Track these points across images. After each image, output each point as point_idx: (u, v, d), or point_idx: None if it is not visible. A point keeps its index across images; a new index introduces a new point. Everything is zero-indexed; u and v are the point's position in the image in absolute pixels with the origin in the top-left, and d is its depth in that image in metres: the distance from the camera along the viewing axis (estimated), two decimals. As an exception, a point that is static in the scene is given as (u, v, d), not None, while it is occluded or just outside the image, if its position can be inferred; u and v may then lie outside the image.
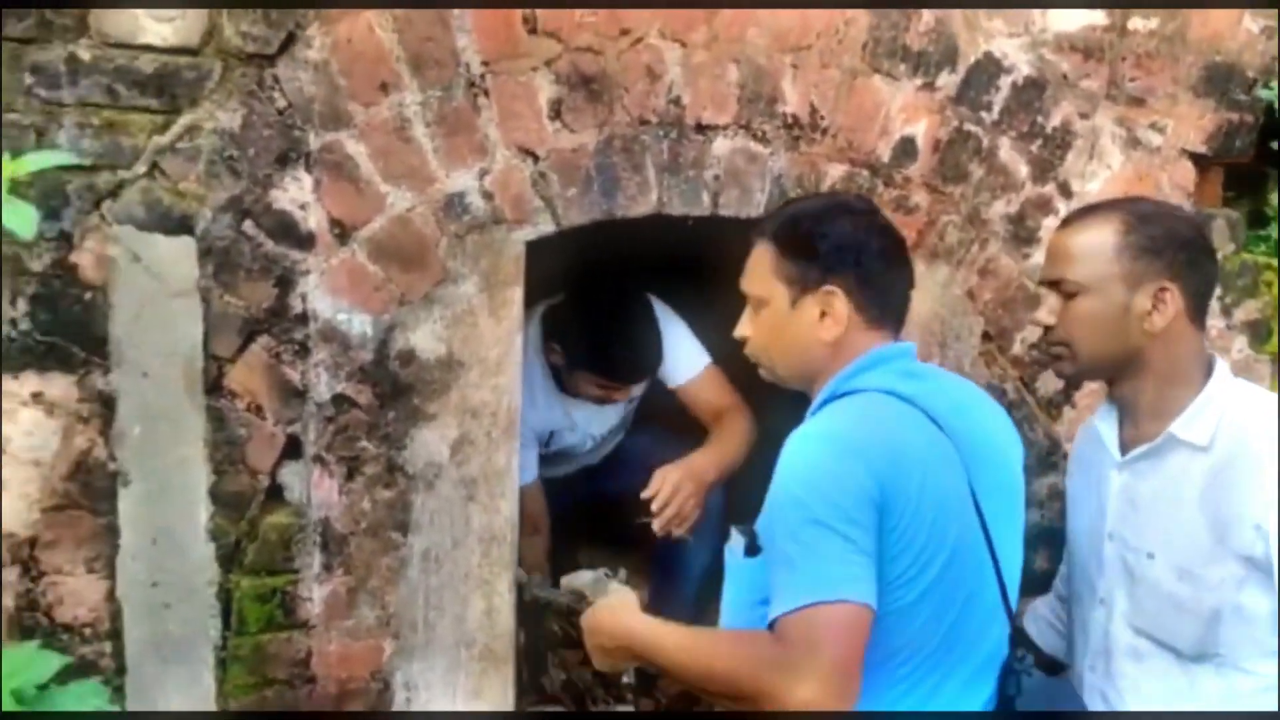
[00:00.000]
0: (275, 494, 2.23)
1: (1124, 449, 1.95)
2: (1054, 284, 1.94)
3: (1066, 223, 1.98)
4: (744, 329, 1.95)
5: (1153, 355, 1.87)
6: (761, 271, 1.90)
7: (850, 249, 1.85)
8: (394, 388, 2.25)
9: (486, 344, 2.28)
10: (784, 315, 1.87)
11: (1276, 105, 2.61)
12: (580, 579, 2.21)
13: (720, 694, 1.68)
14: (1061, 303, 1.92)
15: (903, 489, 1.65)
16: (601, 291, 2.76)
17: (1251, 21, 2.60)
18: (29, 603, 2.15)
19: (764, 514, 1.74)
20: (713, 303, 2.50)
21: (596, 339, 2.70)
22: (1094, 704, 1.95)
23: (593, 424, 3.00)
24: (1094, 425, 2.04)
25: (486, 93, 2.19)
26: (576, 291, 2.81)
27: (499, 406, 2.31)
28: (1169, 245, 1.84)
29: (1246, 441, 1.80)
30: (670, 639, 1.78)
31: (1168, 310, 1.84)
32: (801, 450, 1.70)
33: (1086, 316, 1.88)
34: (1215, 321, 2.66)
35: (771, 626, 1.62)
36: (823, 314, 1.85)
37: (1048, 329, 2.03)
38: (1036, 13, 2.47)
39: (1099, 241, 1.87)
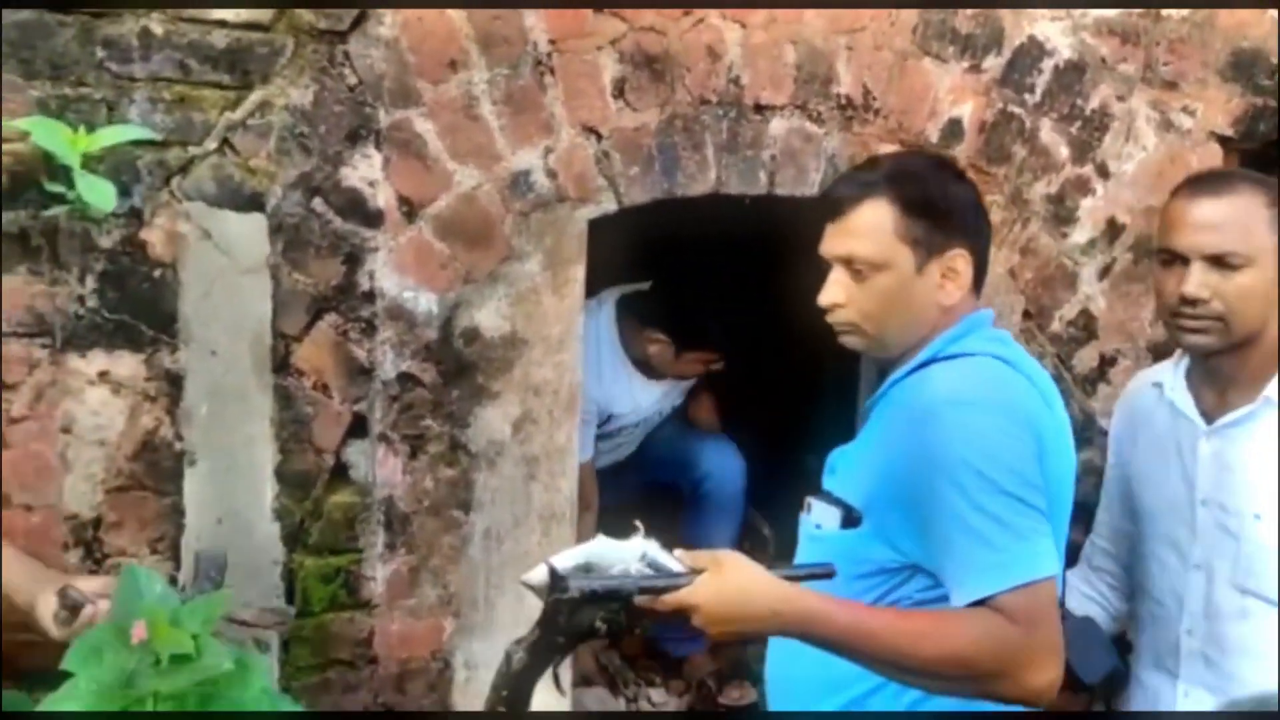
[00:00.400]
0: (340, 473, 2.22)
1: (1207, 418, 1.99)
2: (1213, 258, 1.87)
3: (1201, 190, 1.94)
4: (835, 295, 1.77)
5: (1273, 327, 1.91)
6: (878, 233, 1.73)
7: (972, 209, 1.78)
8: (458, 365, 2.25)
9: (549, 321, 2.29)
10: (907, 280, 1.73)
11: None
12: (605, 555, 1.64)
13: (950, 677, 1.56)
14: (1217, 275, 1.87)
15: (1041, 458, 1.64)
16: (709, 270, 2.89)
17: (1276, 12, 2.68)
18: (94, 585, 2.13)
19: (907, 484, 1.65)
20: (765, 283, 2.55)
21: (710, 315, 2.84)
22: (1195, 668, 1.98)
23: (653, 406, 3.10)
24: (1164, 397, 2.06)
25: (553, 71, 2.21)
26: (678, 272, 2.94)
27: (560, 384, 2.33)
28: None
29: None
30: (877, 619, 1.57)
31: None
32: (970, 419, 1.61)
33: (1250, 290, 1.86)
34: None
35: (978, 604, 1.55)
36: (944, 277, 1.75)
37: (1190, 301, 1.91)
38: (1081, -4, 2.53)
39: (1253, 213, 1.86)
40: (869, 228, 1.73)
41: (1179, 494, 2.02)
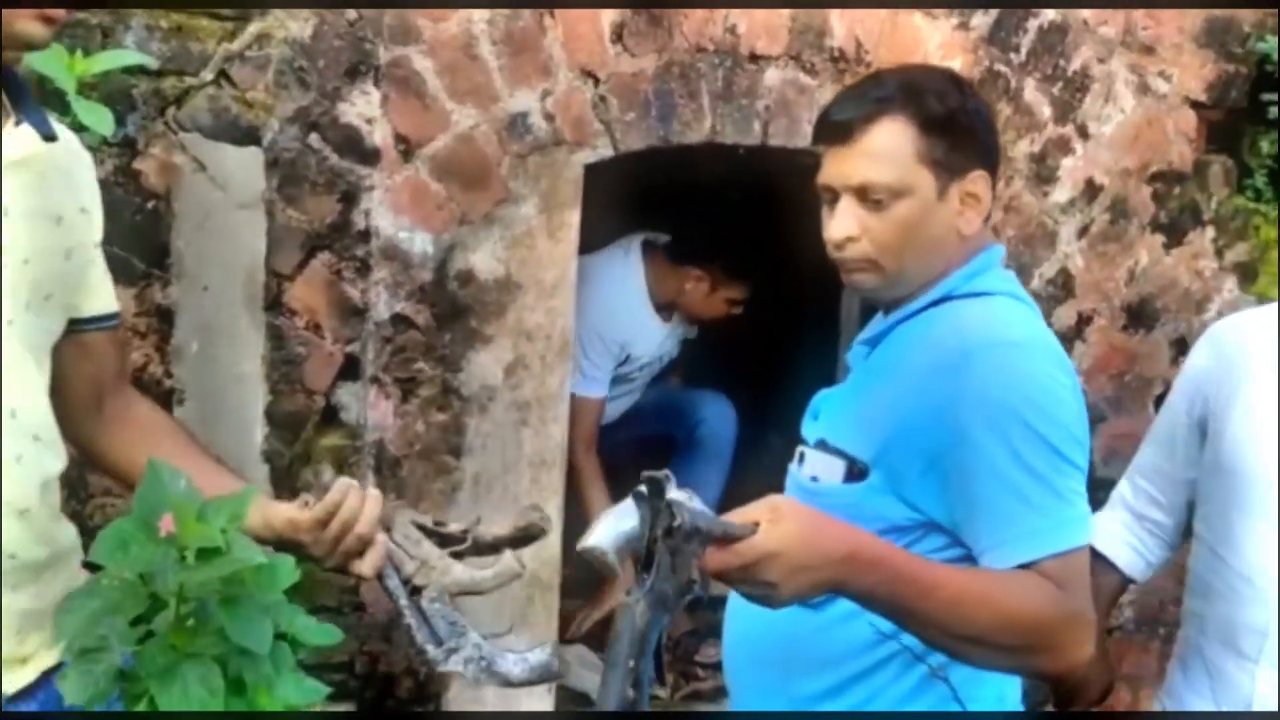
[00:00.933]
0: (330, 415, 2.20)
1: None
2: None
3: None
4: (849, 228, 1.55)
5: None
6: (899, 155, 1.53)
7: (987, 127, 1.61)
8: (452, 308, 2.24)
9: (544, 266, 2.29)
10: (930, 207, 1.54)
11: (1276, 58, 2.76)
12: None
13: (998, 646, 1.40)
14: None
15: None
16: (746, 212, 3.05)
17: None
18: (78, 527, 2.09)
19: (934, 433, 1.48)
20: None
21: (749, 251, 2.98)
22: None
23: (664, 348, 3.24)
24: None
25: (552, 13, 2.20)
26: (719, 216, 3.11)
27: (553, 329, 2.32)
28: None
29: None
30: (944, 573, 1.41)
31: None
32: (1017, 363, 1.45)
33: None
34: (1208, 262, 2.82)
35: (1023, 567, 1.41)
36: (963, 202, 1.56)
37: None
38: (1067, -43, 2.58)
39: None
40: (887, 150, 1.53)
41: None
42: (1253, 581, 1.83)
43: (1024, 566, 1.39)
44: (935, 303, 1.58)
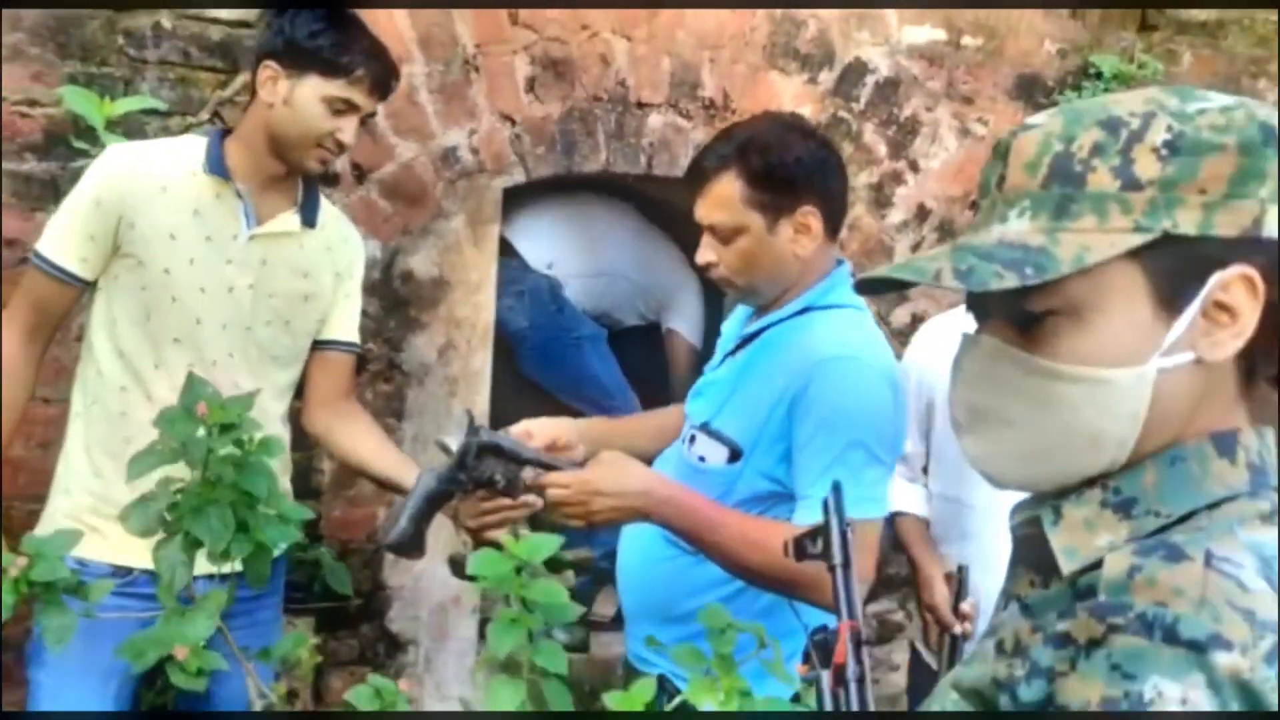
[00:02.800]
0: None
1: None
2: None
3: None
4: (707, 255, 1.96)
5: None
6: (731, 204, 1.90)
7: (817, 168, 1.92)
8: (395, 301, 2.81)
9: (469, 269, 2.87)
10: (762, 240, 1.91)
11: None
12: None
13: (770, 579, 1.82)
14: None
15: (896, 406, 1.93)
16: None
17: (1050, 45, 3.39)
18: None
19: (790, 426, 1.87)
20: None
21: None
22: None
23: None
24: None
25: (477, 69, 2.79)
26: None
27: (477, 320, 2.90)
28: None
29: None
30: (727, 516, 1.84)
31: None
32: (848, 375, 1.85)
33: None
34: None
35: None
36: (797, 233, 1.91)
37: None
38: (894, 25, 3.19)
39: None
40: (722, 199, 1.91)
41: None
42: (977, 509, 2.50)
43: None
44: (799, 312, 1.97)
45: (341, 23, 2.08)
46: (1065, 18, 3.41)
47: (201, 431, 1.67)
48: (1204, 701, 0.75)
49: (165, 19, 2.52)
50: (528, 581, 1.56)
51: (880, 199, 3.28)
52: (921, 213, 3.33)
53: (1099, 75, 3.37)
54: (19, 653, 2.19)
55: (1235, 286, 0.87)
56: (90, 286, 2.08)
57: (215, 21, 2.56)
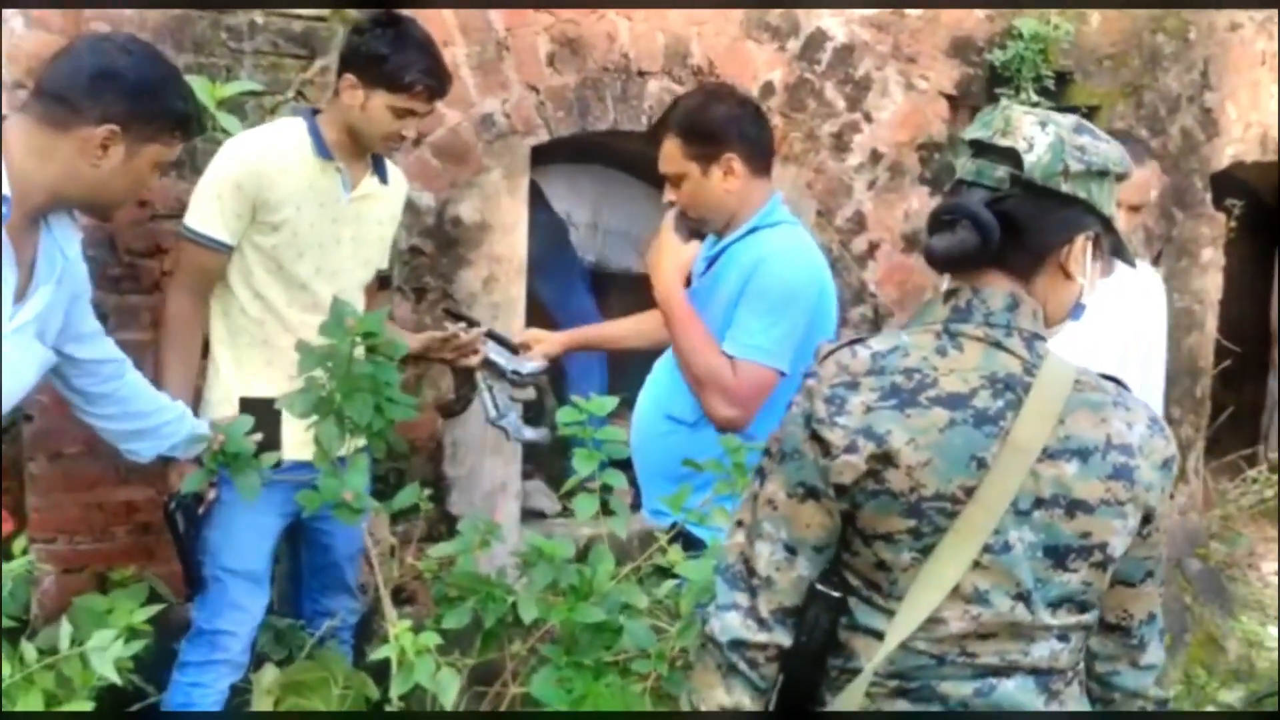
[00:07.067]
0: (370, 313, 3.37)
1: None
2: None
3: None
4: (669, 195, 2.64)
5: None
6: (675, 157, 2.57)
7: (734, 123, 2.54)
8: (447, 242, 3.42)
9: (505, 214, 3.48)
10: (700, 182, 2.56)
11: (1001, 63, 4.02)
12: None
13: (692, 373, 2.52)
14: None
15: (820, 295, 2.59)
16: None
17: (980, 11, 4.02)
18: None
19: (736, 305, 2.53)
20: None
21: None
22: None
23: None
24: None
25: (508, 48, 3.38)
26: None
27: (514, 256, 3.52)
28: None
29: None
30: (684, 309, 2.55)
31: None
32: (774, 265, 2.50)
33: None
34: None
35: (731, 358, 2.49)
36: (725, 174, 2.54)
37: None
38: None
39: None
40: (669, 154, 2.61)
41: None
42: None
43: (731, 358, 2.52)
44: (749, 231, 2.63)
45: (404, 45, 2.66)
46: (992, -14, 4.03)
47: (348, 338, 2.30)
48: None
49: (258, 16, 3.10)
50: (596, 427, 2.22)
51: (840, 145, 3.91)
52: (875, 156, 3.96)
53: (1020, 36, 4.00)
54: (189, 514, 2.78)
55: None
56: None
57: (298, 17, 3.14)
